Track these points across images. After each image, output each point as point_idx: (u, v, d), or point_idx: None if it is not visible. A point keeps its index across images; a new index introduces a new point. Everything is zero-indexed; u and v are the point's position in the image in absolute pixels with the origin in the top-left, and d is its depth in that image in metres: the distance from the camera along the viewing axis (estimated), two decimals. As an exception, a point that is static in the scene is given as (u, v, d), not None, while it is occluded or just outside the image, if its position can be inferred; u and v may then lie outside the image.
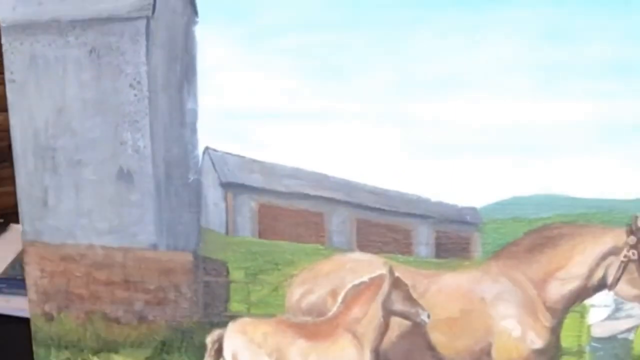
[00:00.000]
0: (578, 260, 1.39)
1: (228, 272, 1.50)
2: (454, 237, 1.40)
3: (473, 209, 1.37)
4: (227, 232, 1.48)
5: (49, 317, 1.63)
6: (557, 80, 1.26)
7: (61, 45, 1.46)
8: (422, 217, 1.40)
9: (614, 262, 1.38)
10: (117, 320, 1.58)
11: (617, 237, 1.37)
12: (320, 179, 1.41)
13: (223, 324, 1.50)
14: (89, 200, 1.51)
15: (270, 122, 1.38)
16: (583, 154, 1.29)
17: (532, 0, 1.24)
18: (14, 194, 1.53)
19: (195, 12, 1.38)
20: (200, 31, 1.39)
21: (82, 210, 1.51)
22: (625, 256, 1.37)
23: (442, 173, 1.35)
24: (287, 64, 1.35)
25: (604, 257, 1.38)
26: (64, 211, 1.54)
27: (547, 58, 1.26)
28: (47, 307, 1.64)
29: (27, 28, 1.47)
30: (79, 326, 1.61)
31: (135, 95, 1.44)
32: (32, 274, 1.62)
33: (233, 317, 1.51)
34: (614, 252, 1.37)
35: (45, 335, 1.64)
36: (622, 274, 1.37)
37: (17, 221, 1.95)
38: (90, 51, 1.45)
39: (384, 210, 1.41)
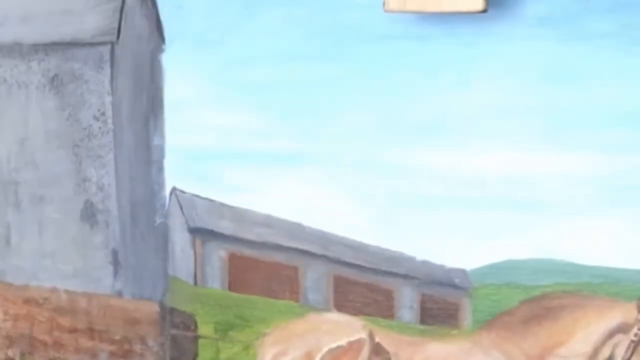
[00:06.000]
0: (581, 337, 1.21)
1: (196, 326, 1.37)
2: (441, 301, 1.25)
3: (462, 272, 1.22)
4: (195, 282, 1.36)
5: (11, 363, 1.54)
6: (558, 128, 1.10)
7: (23, 70, 1.35)
8: (406, 277, 1.25)
9: (623, 341, 1.20)
10: (81, 371, 1.47)
11: (626, 312, 1.19)
12: (295, 229, 1.27)
13: (190, 383, 1.38)
14: (52, 240, 1.41)
15: (240, 163, 1.25)
16: (588, 214, 1.13)
17: (532, 35, 1.08)
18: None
19: (162, 38, 1.26)
20: (167, 60, 1.27)
21: (45, 251, 1.41)
22: (635, 335, 1.19)
23: (429, 229, 1.20)
24: (259, 99, 1.22)
25: (611, 335, 1.21)
26: (27, 250, 1.44)
27: (548, 103, 1.10)
28: (10, 352, 1.53)
29: (-9, 51, 1.37)
30: (41, 375, 1.51)
31: (100, 127, 1.33)
32: (-7, 316, 1.53)
33: (201, 376, 1.38)
34: (622, 329, 1.20)
35: (6, 382, 1.54)
36: (632, 355, 1.20)
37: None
38: (53, 78, 1.34)
39: (363, 267, 1.27)
